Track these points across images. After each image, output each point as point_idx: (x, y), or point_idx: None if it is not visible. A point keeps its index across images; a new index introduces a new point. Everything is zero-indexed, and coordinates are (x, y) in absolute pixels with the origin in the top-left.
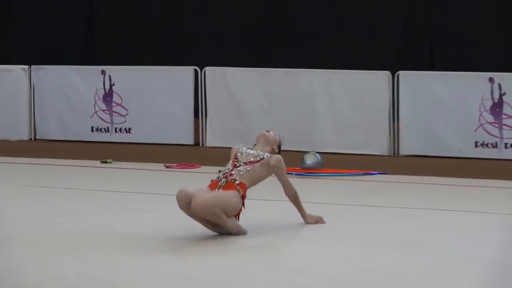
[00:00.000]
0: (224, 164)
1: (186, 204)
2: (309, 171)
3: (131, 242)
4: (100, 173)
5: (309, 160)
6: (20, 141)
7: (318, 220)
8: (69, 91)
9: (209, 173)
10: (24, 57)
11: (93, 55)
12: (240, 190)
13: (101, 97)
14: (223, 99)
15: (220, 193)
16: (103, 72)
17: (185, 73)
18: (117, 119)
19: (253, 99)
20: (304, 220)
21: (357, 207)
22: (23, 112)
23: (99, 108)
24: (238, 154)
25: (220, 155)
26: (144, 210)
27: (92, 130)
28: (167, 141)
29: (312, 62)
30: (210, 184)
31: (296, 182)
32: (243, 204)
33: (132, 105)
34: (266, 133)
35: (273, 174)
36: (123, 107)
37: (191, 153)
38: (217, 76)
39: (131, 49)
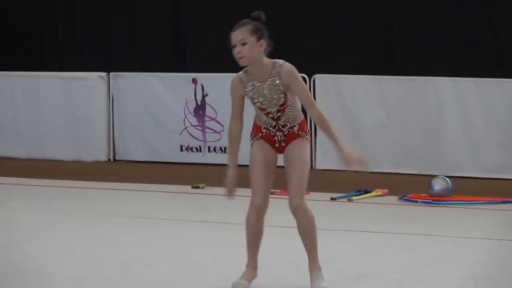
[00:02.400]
0: (337, 190)
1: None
2: (437, 199)
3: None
4: (190, 200)
5: (437, 185)
6: (96, 162)
7: (360, 160)
8: (153, 103)
9: (320, 200)
10: (101, 62)
11: (182, 61)
12: (305, 132)
13: (191, 111)
14: (335, 112)
15: (297, 175)
16: (194, 80)
17: None
18: (210, 136)
19: (370, 112)
20: (340, 153)
21: (496, 242)
22: (100, 128)
23: (190, 123)
24: (257, 103)
25: (332, 179)
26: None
27: (182, 150)
28: None
29: (441, 68)
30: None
31: (423, 212)
32: None
33: (228, 120)
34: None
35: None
36: (217, 122)
37: None
38: (328, 85)
39: (228, 54)
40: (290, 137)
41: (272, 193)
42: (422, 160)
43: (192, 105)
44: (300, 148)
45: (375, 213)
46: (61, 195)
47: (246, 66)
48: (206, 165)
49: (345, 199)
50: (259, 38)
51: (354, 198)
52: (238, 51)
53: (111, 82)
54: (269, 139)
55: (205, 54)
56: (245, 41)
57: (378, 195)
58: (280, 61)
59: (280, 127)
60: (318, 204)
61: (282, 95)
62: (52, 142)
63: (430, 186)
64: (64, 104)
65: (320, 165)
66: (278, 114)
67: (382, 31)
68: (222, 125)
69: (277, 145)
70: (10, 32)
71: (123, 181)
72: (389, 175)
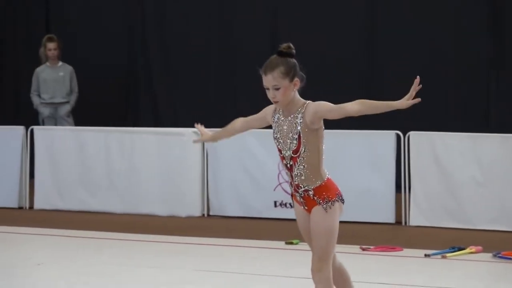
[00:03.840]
0: (431, 247)
1: None
2: None
3: None
4: (284, 256)
5: None
6: (190, 218)
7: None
8: (247, 158)
9: (413, 257)
10: (192, 117)
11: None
12: (326, 199)
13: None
14: (429, 168)
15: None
16: None
17: (385, 138)
18: None
19: (465, 169)
20: (399, 106)
21: None
22: (194, 184)
23: (283, 179)
24: (275, 138)
25: (425, 236)
26: None
27: (276, 205)
28: (363, 219)
29: None
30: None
31: None
32: (341, 200)
33: None
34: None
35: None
36: None
37: (392, 233)
38: (423, 142)
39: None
40: (310, 202)
41: (364, 250)
42: None
43: None
44: (320, 218)
45: (469, 271)
46: (154, 250)
47: None
48: None
49: (439, 256)
50: (292, 78)
51: (448, 255)
52: (272, 96)
53: None
54: (296, 200)
55: None
56: (278, 86)
57: (472, 252)
58: (310, 102)
59: (295, 186)
60: (412, 261)
61: (296, 137)
62: (147, 197)
63: None
64: (159, 159)
65: (414, 221)
66: (291, 163)
67: (477, 88)
68: None
69: (303, 207)
70: (107, 87)
71: (216, 237)
72: (483, 232)
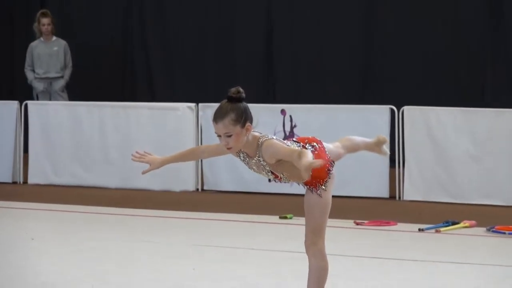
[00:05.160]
0: (425, 221)
1: None
2: None
3: None
4: (278, 230)
5: None
6: (185, 192)
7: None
8: None
9: (407, 231)
10: (191, 93)
11: (271, 91)
12: (318, 185)
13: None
14: (423, 143)
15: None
16: (283, 111)
17: (379, 113)
18: None
19: (459, 143)
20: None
21: None
22: None
23: None
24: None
25: (419, 210)
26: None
27: (270, 180)
28: (357, 193)
29: None
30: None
31: (510, 243)
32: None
33: None
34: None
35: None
36: None
37: (386, 208)
38: (417, 117)
39: (316, 85)
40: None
41: (358, 224)
42: (510, 191)
43: (281, 136)
44: (313, 198)
45: (463, 245)
46: (149, 224)
47: None
48: (294, 196)
49: (433, 230)
50: (244, 124)
51: (442, 229)
52: (225, 143)
53: (200, 113)
54: None
55: (294, 85)
56: (230, 134)
57: (466, 227)
58: (261, 140)
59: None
60: (406, 235)
61: (269, 170)
62: (141, 172)
63: None
64: (154, 134)
65: (408, 196)
66: (276, 180)
67: (471, 63)
68: None
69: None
70: (103, 63)
71: (211, 211)
72: (477, 207)
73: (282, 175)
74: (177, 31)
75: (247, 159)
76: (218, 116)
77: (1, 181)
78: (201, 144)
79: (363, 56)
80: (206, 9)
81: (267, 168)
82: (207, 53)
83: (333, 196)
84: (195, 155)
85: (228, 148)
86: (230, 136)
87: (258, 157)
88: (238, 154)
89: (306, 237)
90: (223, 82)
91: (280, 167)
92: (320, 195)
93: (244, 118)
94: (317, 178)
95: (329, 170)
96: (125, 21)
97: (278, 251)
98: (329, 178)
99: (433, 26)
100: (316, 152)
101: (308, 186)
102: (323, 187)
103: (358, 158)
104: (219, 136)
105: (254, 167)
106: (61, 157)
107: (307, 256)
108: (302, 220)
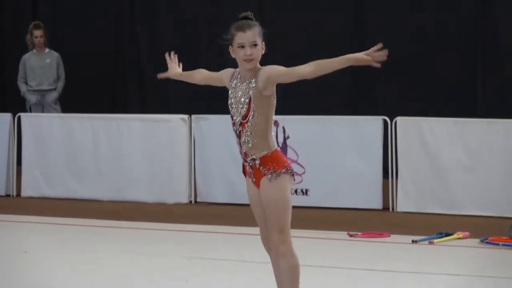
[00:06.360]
0: (418, 233)
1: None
2: None
3: None
4: None
5: None
6: (178, 204)
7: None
8: (235, 144)
9: (400, 243)
10: (184, 105)
11: None
12: (272, 170)
13: None
14: (417, 155)
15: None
16: (275, 123)
17: (372, 124)
18: None
19: (452, 154)
20: (358, 57)
21: None
22: (182, 170)
23: None
24: (230, 104)
25: (413, 221)
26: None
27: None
28: (351, 205)
29: None
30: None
31: (504, 255)
32: (290, 173)
33: (310, 162)
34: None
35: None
36: (299, 164)
37: (379, 219)
38: (410, 128)
39: (310, 97)
40: (257, 173)
41: (352, 236)
42: (503, 202)
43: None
44: (268, 190)
45: (457, 256)
46: (142, 237)
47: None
48: None
49: (426, 242)
50: (263, 40)
51: (435, 240)
52: (249, 53)
53: (193, 125)
54: (246, 172)
55: (287, 96)
56: (257, 43)
57: (460, 238)
58: (265, 67)
59: (244, 154)
60: (399, 247)
61: (247, 101)
62: (134, 184)
63: (511, 228)
64: (146, 146)
65: (401, 207)
66: (240, 129)
67: (465, 74)
68: (303, 168)
69: (252, 179)
70: (95, 75)
71: (204, 223)
72: (470, 218)
73: (251, 116)
74: (169, 43)
75: (238, 84)
76: (246, 26)
77: None
78: (194, 156)
79: (355, 67)
80: (197, 19)
81: (250, 92)
82: (200, 64)
83: (326, 208)
84: (195, 73)
85: (251, 60)
86: (256, 46)
87: (251, 79)
88: (232, 78)
89: (271, 237)
90: (216, 93)
91: (260, 100)
92: (270, 180)
93: (263, 36)
94: (273, 163)
95: (289, 169)
96: (117, 32)
97: (271, 263)
98: (287, 174)
99: (426, 37)
100: (270, 154)
101: (261, 167)
102: (276, 174)
103: (351, 169)
104: (242, 47)
105: (239, 93)
106: (54, 169)
107: (269, 257)
108: (296, 232)
